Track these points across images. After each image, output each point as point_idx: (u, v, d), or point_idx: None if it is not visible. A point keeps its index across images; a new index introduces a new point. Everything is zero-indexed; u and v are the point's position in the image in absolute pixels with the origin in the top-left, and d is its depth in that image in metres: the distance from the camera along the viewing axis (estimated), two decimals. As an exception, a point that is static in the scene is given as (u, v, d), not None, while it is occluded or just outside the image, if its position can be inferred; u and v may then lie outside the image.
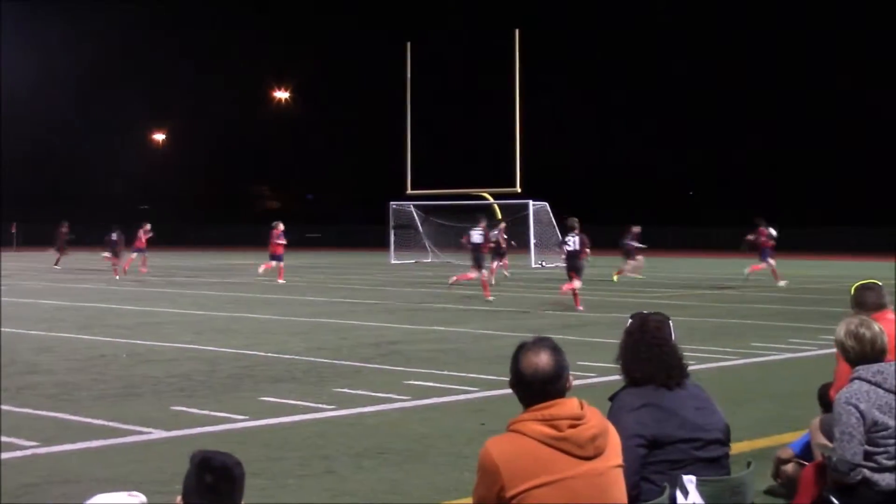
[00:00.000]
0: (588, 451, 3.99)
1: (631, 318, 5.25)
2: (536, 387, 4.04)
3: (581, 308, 21.99)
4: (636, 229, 34.93)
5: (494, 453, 3.95)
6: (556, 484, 3.91)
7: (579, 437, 3.98)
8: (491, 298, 24.25)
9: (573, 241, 22.58)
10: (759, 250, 30.97)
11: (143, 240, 37.51)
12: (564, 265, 22.97)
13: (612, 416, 4.81)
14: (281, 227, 33.53)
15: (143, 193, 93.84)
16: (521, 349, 4.13)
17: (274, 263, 33.02)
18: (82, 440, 8.95)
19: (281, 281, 31.81)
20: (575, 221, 22.69)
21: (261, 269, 33.71)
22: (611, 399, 5.07)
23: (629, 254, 34.41)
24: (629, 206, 77.81)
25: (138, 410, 10.37)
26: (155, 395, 11.24)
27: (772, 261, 30.51)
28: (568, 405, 4.04)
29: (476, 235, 26.15)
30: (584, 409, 4.06)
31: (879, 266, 36.17)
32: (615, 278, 32.73)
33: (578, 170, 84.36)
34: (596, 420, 4.06)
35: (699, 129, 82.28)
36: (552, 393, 4.04)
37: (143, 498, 3.69)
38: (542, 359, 4.06)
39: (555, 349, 4.11)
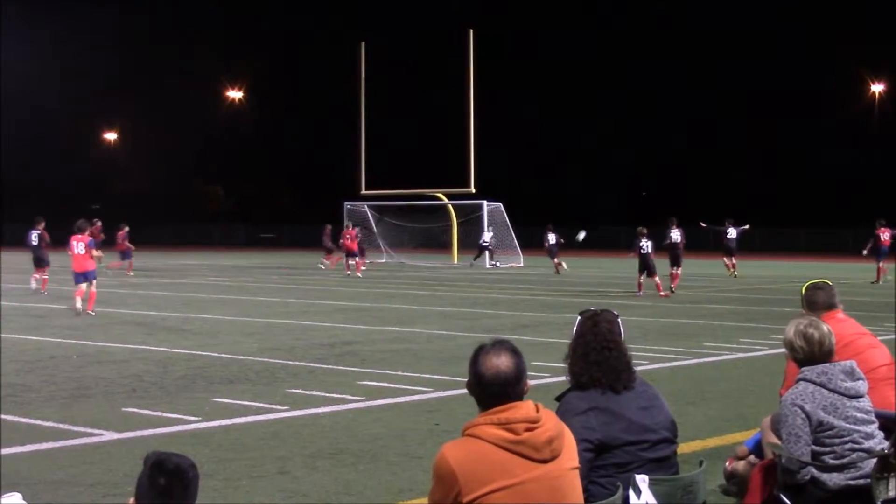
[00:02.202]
0: (545, 454, 3.98)
1: (580, 315, 5.21)
2: (496, 389, 4.02)
3: (663, 294, 26.29)
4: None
5: (451, 458, 3.92)
6: (513, 488, 3.90)
7: (536, 440, 3.97)
8: (674, 291, 27.38)
9: (646, 245, 26.87)
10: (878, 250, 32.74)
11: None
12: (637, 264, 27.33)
13: (559, 418, 4.82)
14: (352, 227, 38.71)
15: (95, 192, 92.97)
16: (481, 351, 4.10)
17: (353, 260, 37.15)
18: (31, 442, 8.84)
19: (359, 274, 36.21)
20: (644, 229, 27.19)
21: (353, 271, 36.66)
22: (558, 399, 5.06)
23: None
24: (584, 206, 78.27)
25: (89, 412, 10.26)
26: (106, 397, 11.12)
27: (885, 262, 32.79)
28: (524, 408, 4.02)
29: (675, 235, 28.94)
30: (540, 411, 4.05)
31: (830, 266, 36.62)
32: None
33: (534, 170, 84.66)
34: (552, 423, 4.06)
35: (652, 129, 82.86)
36: (511, 396, 4.03)
37: (18, 497, 3.68)
38: (503, 361, 4.04)
39: (514, 352, 4.10)
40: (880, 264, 32.34)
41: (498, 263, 44.29)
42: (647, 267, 26.85)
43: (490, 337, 4.27)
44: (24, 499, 4.10)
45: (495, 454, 3.92)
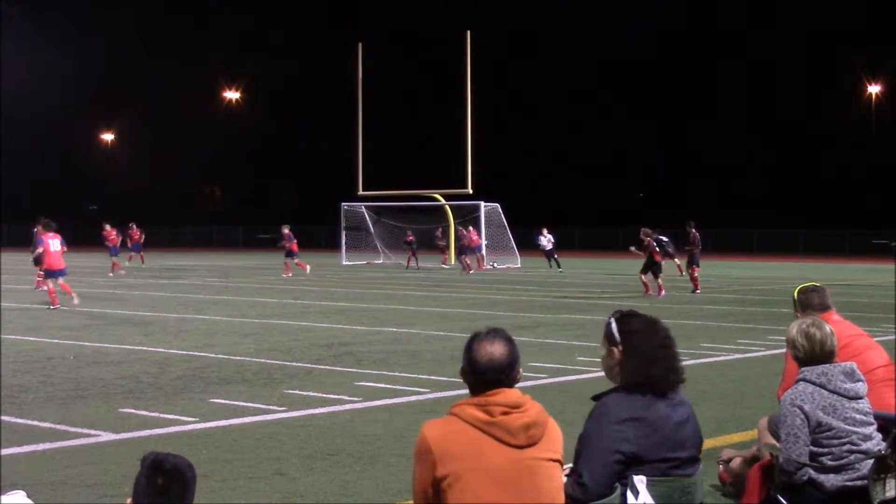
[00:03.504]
0: (519, 440, 3.99)
1: (625, 316, 4.88)
2: (489, 376, 4.06)
3: (663, 293, 26.67)
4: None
5: (428, 434, 4.00)
6: (480, 469, 3.93)
7: (511, 424, 3.99)
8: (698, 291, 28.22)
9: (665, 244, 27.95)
10: None
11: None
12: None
13: (594, 420, 4.65)
14: (286, 229, 37.60)
15: (94, 193, 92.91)
16: (476, 338, 4.14)
17: (293, 261, 37.01)
18: (29, 443, 8.83)
19: (289, 275, 35.99)
20: (657, 230, 27.92)
21: (287, 274, 36.40)
22: (595, 399, 4.82)
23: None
24: (581, 207, 78.23)
25: (86, 413, 10.25)
26: (103, 398, 11.11)
27: None
28: (508, 394, 4.06)
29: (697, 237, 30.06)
30: (525, 400, 4.08)
31: (829, 268, 36.63)
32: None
33: (531, 171, 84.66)
34: (535, 411, 4.07)
35: (651, 130, 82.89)
36: (504, 382, 4.07)
37: (22, 496, 3.70)
38: (497, 348, 4.08)
39: (508, 339, 4.14)
40: None
41: (495, 264, 44.28)
42: (658, 267, 27.01)
43: (487, 327, 4.28)
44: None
45: (468, 433, 3.97)
